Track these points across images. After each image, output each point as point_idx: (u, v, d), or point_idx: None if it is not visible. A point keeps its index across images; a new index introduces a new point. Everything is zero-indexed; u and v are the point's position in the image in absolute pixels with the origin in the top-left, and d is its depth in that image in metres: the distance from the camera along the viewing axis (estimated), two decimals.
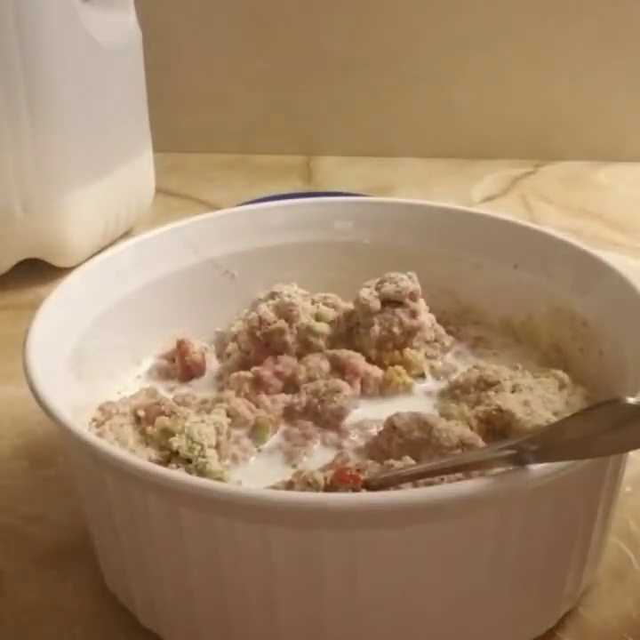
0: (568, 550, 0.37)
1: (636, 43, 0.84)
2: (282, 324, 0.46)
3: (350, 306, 0.48)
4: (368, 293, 0.47)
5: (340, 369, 0.45)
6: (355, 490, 0.35)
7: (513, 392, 0.42)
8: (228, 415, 0.41)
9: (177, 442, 0.39)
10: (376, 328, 0.46)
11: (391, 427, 0.39)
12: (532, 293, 0.48)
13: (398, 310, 0.46)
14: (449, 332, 0.49)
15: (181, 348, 0.47)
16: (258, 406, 0.43)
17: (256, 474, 0.40)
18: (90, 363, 0.43)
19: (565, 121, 0.88)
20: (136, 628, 0.39)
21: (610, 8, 0.83)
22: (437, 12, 0.85)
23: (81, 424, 0.41)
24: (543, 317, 0.48)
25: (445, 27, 0.85)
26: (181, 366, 0.47)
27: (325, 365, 0.45)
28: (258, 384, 0.44)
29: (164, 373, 0.47)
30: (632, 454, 0.40)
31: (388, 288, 0.46)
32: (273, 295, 0.48)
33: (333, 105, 0.90)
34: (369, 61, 0.88)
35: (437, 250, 0.50)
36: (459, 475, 0.35)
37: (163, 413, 0.41)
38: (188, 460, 0.39)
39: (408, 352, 0.46)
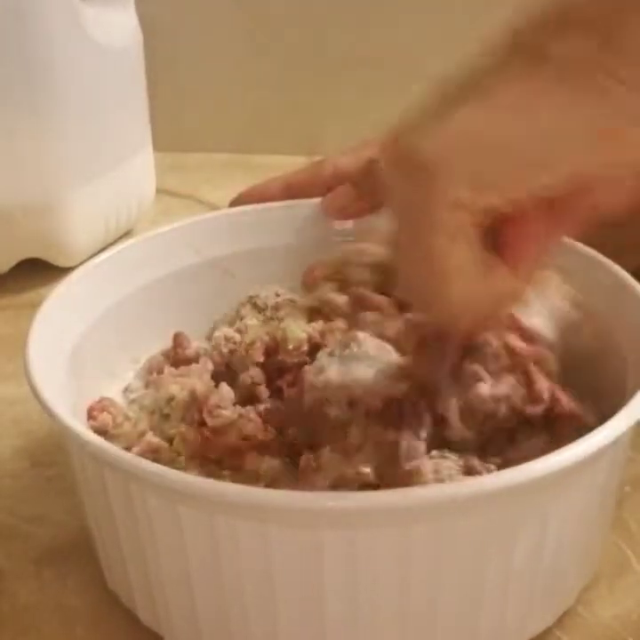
0: (567, 549, 0.37)
1: None
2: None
3: None
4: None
5: None
6: None
7: None
8: None
9: None
10: None
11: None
12: None
13: None
14: None
15: (177, 341, 0.47)
16: None
17: None
18: (90, 362, 0.43)
19: None
20: (137, 626, 0.39)
21: None
22: (438, 12, 0.85)
23: (81, 423, 0.41)
24: None
25: (446, 26, 0.85)
26: (175, 358, 0.47)
27: None
28: None
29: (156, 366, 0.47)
30: (632, 454, 0.40)
31: None
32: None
33: (334, 105, 0.90)
34: (370, 61, 0.88)
35: None
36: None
37: None
38: None
39: None
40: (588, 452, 0.32)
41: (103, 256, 0.47)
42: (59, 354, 0.41)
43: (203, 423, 0.41)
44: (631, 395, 0.35)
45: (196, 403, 0.41)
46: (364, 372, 0.39)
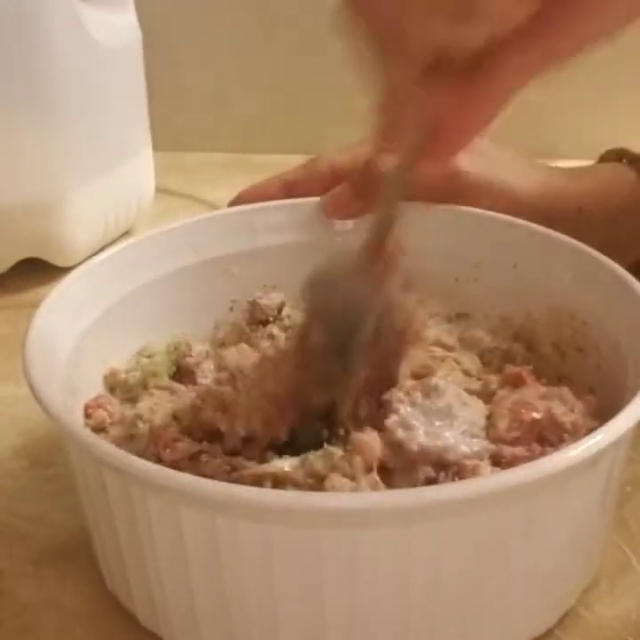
0: (568, 549, 0.37)
1: (636, 43, 0.84)
2: None
3: None
4: None
5: None
6: None
7: None
8: None
9: None
10: None
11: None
12: (532, 293, 0.48)
13: None
14: None
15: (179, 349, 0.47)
16: None
17: None
18: (89, 362, 0.43)
19: (565, 121, 0.88)
20: (136, 627, 0.39)
21: None
22: None
23: (81, 423, 0.41)
24: (543, 317, 0.48)
25: None
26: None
27: None
28: None
29: None
30: (632, 454, 0.40)
31: None
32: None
33: (334, 104, 0.90)
34: None
35: (437, 249, 0.50)
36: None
37: None
38: None
39: None
40: (589, 452, 0.32)
41: (102, 256, 0.47)
42: (57, 354, 0.41)
43: (159, 459, 0.38)
44: (631, 395, 0.35)
45: (153, 437, 0.39)
46: (450, 435, 0.38)
